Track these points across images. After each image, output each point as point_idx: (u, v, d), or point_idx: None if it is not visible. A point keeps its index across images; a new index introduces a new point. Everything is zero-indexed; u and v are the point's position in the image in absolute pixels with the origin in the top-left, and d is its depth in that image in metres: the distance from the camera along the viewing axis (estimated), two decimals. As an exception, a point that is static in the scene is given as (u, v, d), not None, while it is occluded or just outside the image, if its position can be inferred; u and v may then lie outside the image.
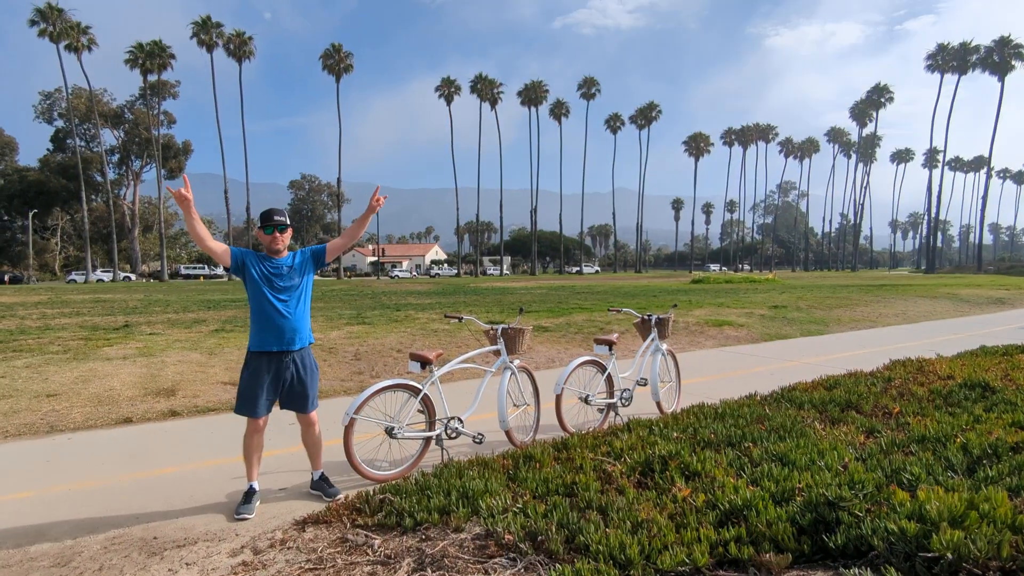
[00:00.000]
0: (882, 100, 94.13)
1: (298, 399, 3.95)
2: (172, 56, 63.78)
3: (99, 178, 73.78)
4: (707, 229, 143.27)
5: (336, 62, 70.34)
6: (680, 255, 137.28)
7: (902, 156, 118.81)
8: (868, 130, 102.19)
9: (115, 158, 78.54)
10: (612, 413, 5.51)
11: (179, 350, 8.96)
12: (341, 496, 3.92)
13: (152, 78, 65.18)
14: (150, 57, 62.41)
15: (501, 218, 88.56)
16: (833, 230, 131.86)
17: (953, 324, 14.95)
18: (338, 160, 72.34)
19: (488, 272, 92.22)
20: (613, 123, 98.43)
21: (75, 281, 60.83)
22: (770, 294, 24.28)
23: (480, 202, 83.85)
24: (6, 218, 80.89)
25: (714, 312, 15.55)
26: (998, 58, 69.23)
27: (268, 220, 3.90)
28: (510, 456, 4.28)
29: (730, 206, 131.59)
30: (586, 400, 5.22)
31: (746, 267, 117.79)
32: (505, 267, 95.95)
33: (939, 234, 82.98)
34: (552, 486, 3.63)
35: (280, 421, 5.36)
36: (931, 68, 76.74)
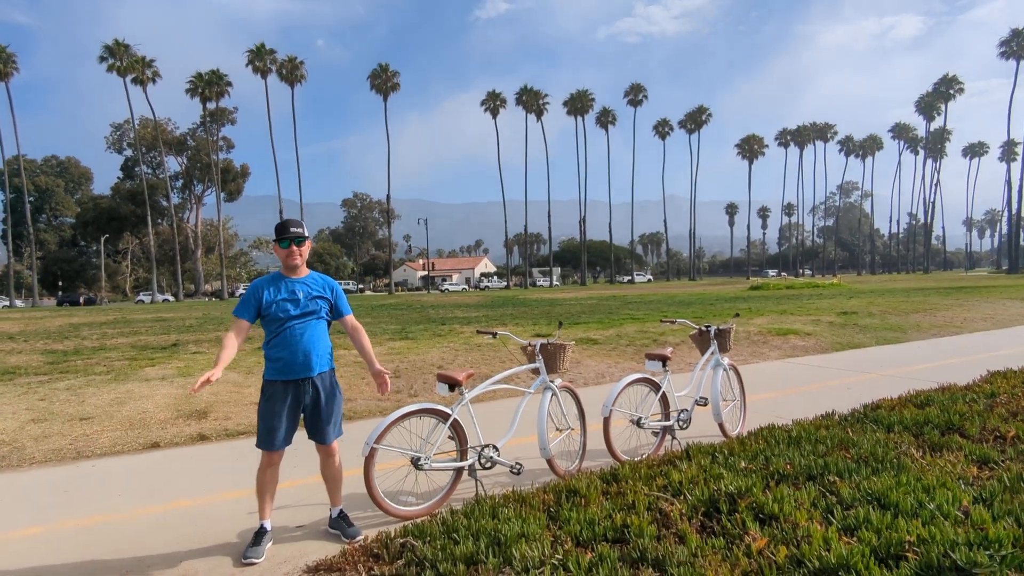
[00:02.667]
0: (951, 92, 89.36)
1: (317, 428, 3.56)
2: (229, 84, 66.36)
3: (164, 203, 77.17)
4: (764, 234, 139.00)
5: (383, 81, 71.69)
6: (736, 261, 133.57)
7: (975, 150, 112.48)
8: (936, 124, 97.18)
9: (179, 183, 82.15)
10: (668, 437, 4.92)
11: (219, 370, 8.80)
12: (360, 537, 3.48)
13: (211, 106, 67.92)
14: (209, 86, 65.04)
15: (549, 228, 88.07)
16: (901, 231, 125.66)
17: (1049, 328, 13.56)
18: (387, 177, 73.51)
19: (538, 283, 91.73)
20: (662, 129, 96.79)
21: (143, 302, 63.58)
22: (837, 299, 22.91)
23: (528, 213, 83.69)
24: (82, 243, 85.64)
25: (777, 320, 14.60)
26: (1080, 41, 64.72)
27: (283, 232, 3.50)
28: (551, 490, 3.76)
29: (788, 209, 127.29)
30: (638, 423, 4.65)
31: (807, 272, 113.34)
32: (555, 278, 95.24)
33: (1020, 231, 77.58)
34: (599, 529, 3.10)
35: (301, 448, 5.00)
36: (1005, 55, 72.43)
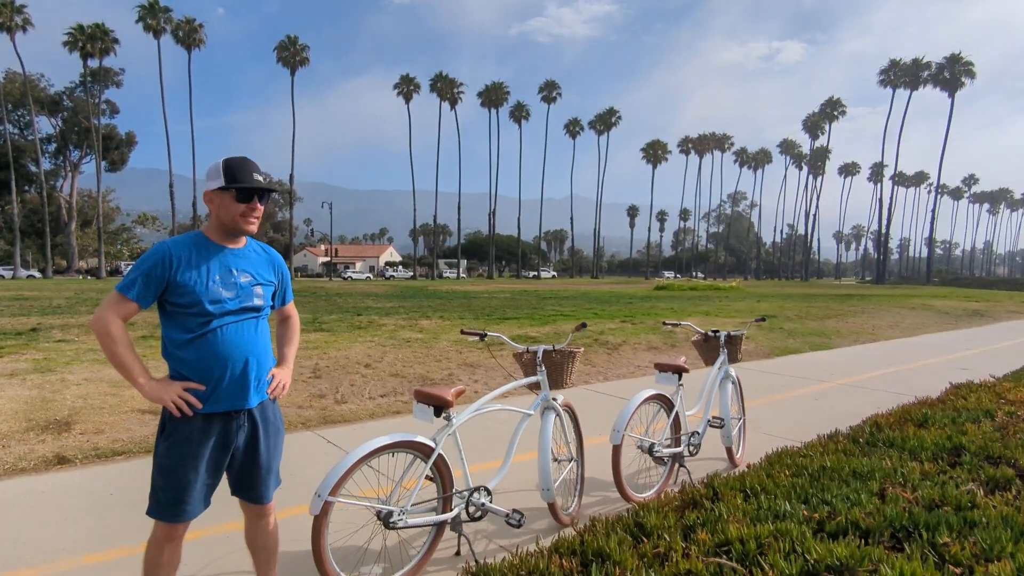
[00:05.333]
0: (835, 113, 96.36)
1: (248, 482, 2.35)
2: (116, 41, 59.99)
3: (33, 168, 68.71)
4: (661, 237, 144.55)
5: (291, 54, 67.64)
6: (633, 262, 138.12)
7: (849, 169, 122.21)
8: (820, 142, 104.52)
9: (51, 147, 73.46)
10: (677, 465, 4.08)
11: (89, 363, 7.13)
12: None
13: (93, 64, 61.23)
14: (91, 40, 58.53)
15: (459, 220, 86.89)
16: (781, 240, 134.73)
17: (954, 338, 14.16)
18: (291, 156, 69.52)
19: (444, 275, 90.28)
20: (573, 128, 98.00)
21: (2, 277, 56.36)
22: (746, 302, 23.46)
23: (437, 204, 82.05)
24: (-73, 207, 74.79)
25: (705, 322, 14.39)
26: (948, 75, 71.45)
27: (244, 176, 2.22)
28: (568, 551, 2.79)
29: (683, 214, 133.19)
30: (650, 451, 3.78)
31: (699, 275, 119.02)
32: (461, 270, 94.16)
33: (880, 247, 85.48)
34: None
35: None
36: (883, 83, 78.82)
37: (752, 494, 3.53)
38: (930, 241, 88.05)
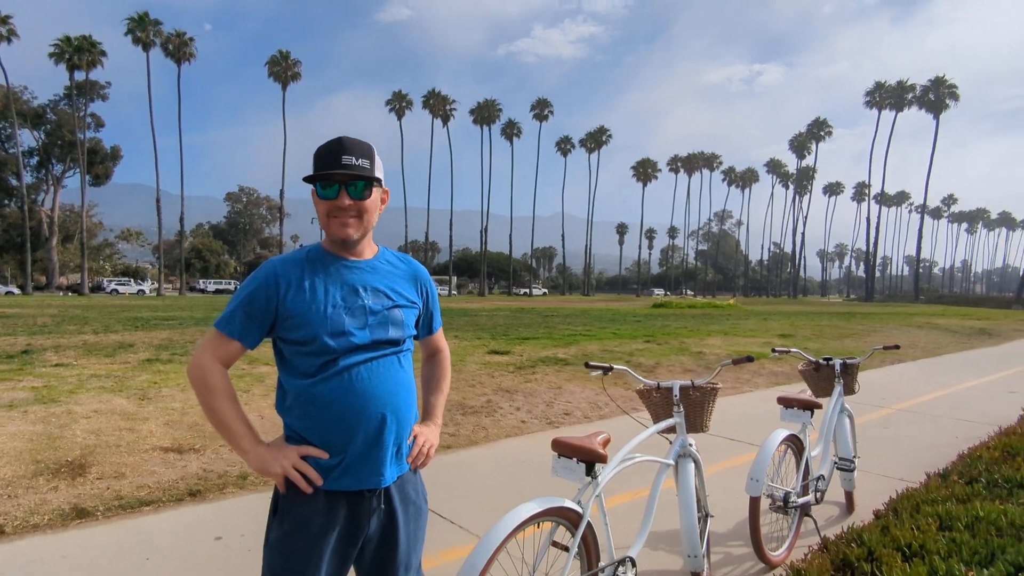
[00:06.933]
0: (821, 134, 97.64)
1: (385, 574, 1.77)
2: (103, 53, 59.11)
3: (14, 182, 67.29)
4: (649, 254, 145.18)
5: (283, 69, 67.19)
6: (623, 279, 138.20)
7: (833, 189, 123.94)
8: (807, 162, 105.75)
9: (34, 161, 72.09)
10: (802, 516, 3.55)
11: (95, 391, 6.48)
12: None
13: (80, 76, 60.29)
14: (79, 52, 57.65)
15: (451, 237, 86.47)
16: (766, 258, 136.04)
17: (978, 357, 13.79)
18: (282, 171, 68.87)
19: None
20: (564, 146, 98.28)
21: (-22, 294, 54.78)
22: (752, 321, 23.11)
23: (420, 221, 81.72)
24: (-98, 222, 72.86)
25: (728, 342, 13.94)
26: (933, 96, 72.58)
27: (329, 161, 1.63)
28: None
29: (671, 232, 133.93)
30: (785, 502, 3.25)
31: (689, 292, 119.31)
32: (451, 287, 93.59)
33: (868, 265, 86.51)
34: None
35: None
36: (869, 104, 79.97)
37: (912, 553, 3.03)
38: (917, 259, 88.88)
